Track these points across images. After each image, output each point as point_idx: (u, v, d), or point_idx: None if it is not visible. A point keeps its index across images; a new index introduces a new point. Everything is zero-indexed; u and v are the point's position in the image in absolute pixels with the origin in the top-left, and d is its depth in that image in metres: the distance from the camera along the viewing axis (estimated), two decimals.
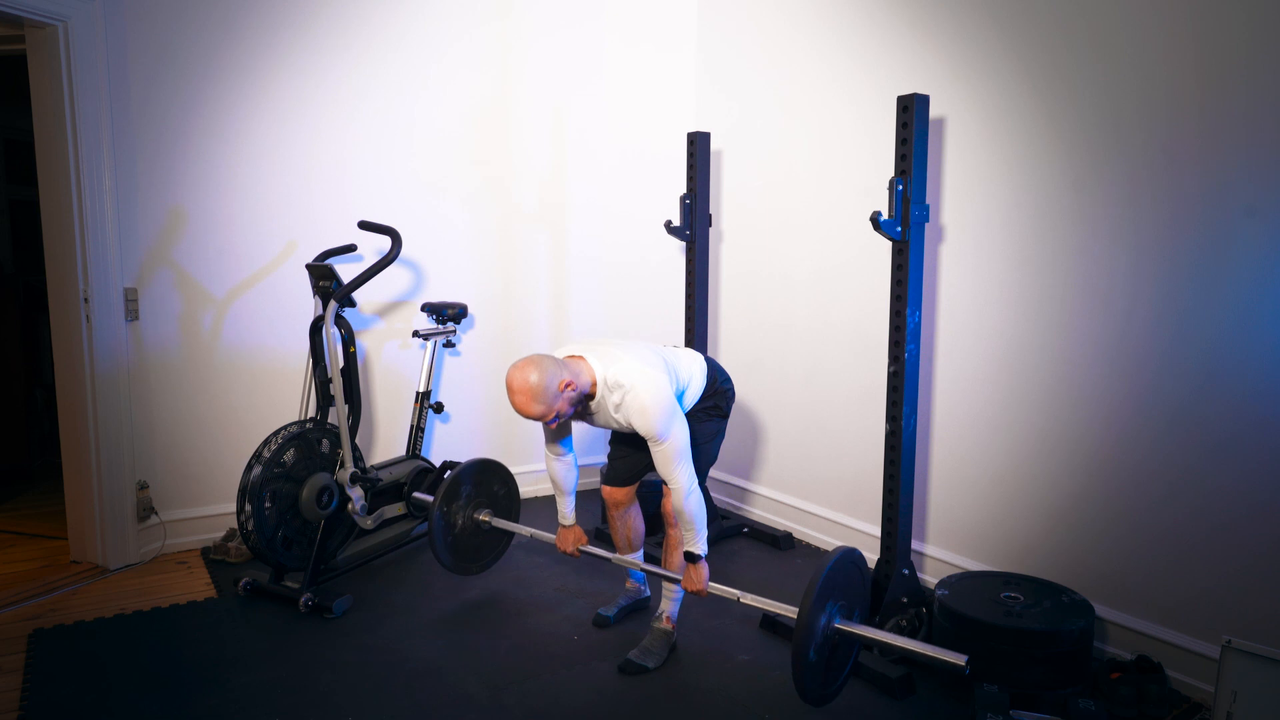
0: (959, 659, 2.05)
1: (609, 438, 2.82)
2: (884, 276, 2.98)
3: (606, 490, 2.82)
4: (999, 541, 2.93)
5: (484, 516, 3.04)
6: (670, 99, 4.32)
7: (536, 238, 4.20)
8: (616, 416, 2.42)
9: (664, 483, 2.50)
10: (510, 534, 3.14)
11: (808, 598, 2.08)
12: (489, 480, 3.10)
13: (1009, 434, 2.87)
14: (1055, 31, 2.67)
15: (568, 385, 2.30)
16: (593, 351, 2.43)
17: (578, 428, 4.18)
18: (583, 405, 2.45)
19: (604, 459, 2.86)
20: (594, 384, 2.40)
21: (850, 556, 2.25)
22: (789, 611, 2.22)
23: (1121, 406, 2.56)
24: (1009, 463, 2.86)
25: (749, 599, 2.40)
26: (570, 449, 2.69)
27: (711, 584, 2.45)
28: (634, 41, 4.26)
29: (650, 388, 2.34)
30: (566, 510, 2.74)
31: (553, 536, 2.82)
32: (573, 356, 2.42)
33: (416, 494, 3.41)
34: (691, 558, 2.43)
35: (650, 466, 2.63)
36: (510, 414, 4.10)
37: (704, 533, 2.43)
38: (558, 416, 2.34)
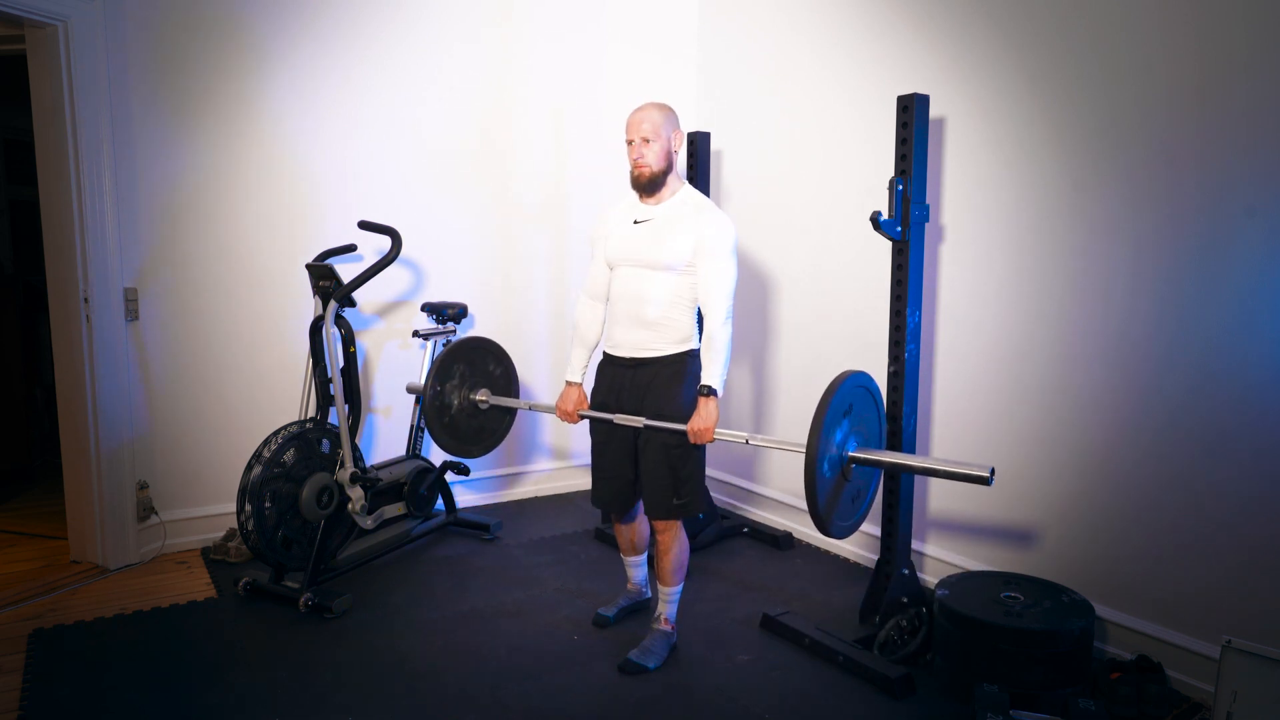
0: (983, 470, 2.05)
1: (592, 448, 2.71)
2: (884, 276, 2.98)
3: (617, 525, 2.83)
4: (999, 541, 2.93)
5: (480, 396, 2.99)
6: (670, 99, 4.28)
7: (537, 238, 4.20)
8: (679, 228, 2.43)
9: (653, 520, 2.57)
10: (511, 412, 3.09)
11: (818, 418, 2.06)
12: (483, 360, 3.03)
13: (1009, 433, 2.88)
14: (1055, 31, 2.67)
15: (678, 141, 2.47)
16: None
17: (577, 430, 4.19)
18: (657, 191, 2.49)
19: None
20: (679, 186, 2.51)
21: (860, 380, 2.23)
22: (797, 447, 2.18)
23: (1121, 406, 2.56)
24: (1009, 462, 2.86)
25: (757, 439, 2.41)
26: (605, 300, 2.65)
27: (719, 430, 2.43)
28: (635, 42, 4.27)
29: (728, 221, 2.47)
30: (578, 364, 2.69)
31: (552, 408, 2.75)
32: None
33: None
34: (705, 390, 2.42)
35: (637, 490, 2.62)
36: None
37: (725, 368, 2.42)
38: (649, 157, 2.43)
